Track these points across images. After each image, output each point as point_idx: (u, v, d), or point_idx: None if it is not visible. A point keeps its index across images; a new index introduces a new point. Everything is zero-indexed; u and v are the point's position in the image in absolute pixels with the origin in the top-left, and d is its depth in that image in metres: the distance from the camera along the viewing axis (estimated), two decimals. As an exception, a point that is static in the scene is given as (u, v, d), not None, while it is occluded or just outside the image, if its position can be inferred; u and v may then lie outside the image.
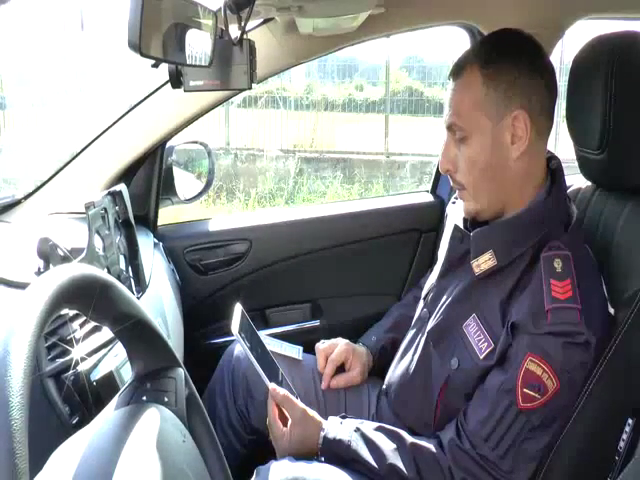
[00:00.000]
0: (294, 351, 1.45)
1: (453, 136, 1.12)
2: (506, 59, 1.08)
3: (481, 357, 1.07)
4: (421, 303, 1.30)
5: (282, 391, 1.18)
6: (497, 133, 1.08)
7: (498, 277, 1.09)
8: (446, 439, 1.09)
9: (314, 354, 1.41)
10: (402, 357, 1.28)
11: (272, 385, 1.19)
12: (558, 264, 1.03)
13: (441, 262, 1.25)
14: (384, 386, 1.33)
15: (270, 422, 1.18)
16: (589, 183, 1.27)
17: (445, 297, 1.19)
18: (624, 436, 1.04)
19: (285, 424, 1.16)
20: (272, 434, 1.18)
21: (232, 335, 1.21)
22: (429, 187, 1.92)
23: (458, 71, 1.11)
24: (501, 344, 1.04)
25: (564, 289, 1.01)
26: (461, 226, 1.19)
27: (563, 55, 6.11)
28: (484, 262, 1.10)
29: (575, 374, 1.01)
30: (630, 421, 1.04)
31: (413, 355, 1.23)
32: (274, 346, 1.42)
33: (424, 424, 1.17)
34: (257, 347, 1.27)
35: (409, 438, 1.12)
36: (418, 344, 1.23)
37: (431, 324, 1.19)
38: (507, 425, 1.03)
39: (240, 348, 1.41)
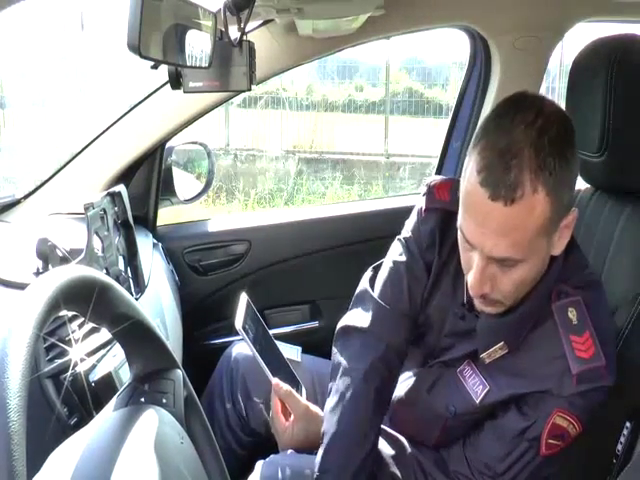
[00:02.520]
0: (293, 352, 1.45)
1: (492, 262, 0.90)
2: (567, 157, 0.88)
3: (477, 401, 1.03)
4: (425, 348, 1.18)
5: (285, 386, 1.18)
6: (550, 243, 0.92)
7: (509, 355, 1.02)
8: (452, 467, 1.05)
9: (313, 355, 1.41)
10: (398, 393, 1.21)
11: (275, 380, 1.19)
12: (573, 314, 0.96)
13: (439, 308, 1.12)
14: None
15: (273, 416, 1.18)
16: (588, 185, 1.27)
17: (447, 354, 1.10)
18: (622, 439, 1.04)
19: (288, 418, 1.17)
20: (274, 428, 1.18)
21: (232, 336, 1.21)
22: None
23: (516, 191, 0.83)
24: (504, 391, 1.00)
25: (586, 345, 0.94)
26: (463, 301, 1.06)
27: (563, 57, 6.13)
28: (494, 351, 1.00)
29: (596, 412, 0.97)
30: (628, 424, 1.04)
31: (408, 397, 1.16)
32: (273, 347, 1.42)
33: (425, 438, 1.13)
34: (261, 339, 1.25)
35: (409, 448, 1.11)
36: (414, 386, 1.16)
37: (425, 371, 1.14)
38: (524, 464, 0.99)
39: (239, 349, 1.41)
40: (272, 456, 1.12)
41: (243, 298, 1.28)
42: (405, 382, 1.20)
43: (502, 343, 0.99)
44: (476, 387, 1.03)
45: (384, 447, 1.11)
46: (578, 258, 1.02)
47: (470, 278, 0.92)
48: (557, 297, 0.98)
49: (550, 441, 0.96)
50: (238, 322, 1.20)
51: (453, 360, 1.08)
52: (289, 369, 1.29)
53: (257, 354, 1.19)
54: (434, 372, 1.11)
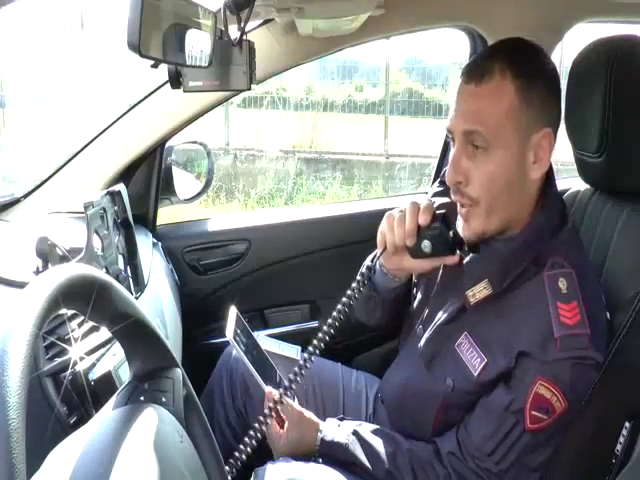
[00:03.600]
0: (292, 351, 1.45)
1: (467, 146, 1.01)
2: (541, 76, 1.02)
3: (475, 374, 1.05)
4: (416, 316, 1.23)
5: (278, 394, 1.18)
6: (522, 150, 1.00)
7: (496, 302, 1.05)
8: (445, 450, 1.08)
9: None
10: (396, 371, 1.25)
11: (268, 388, 1.19)
12: (563, 284, 1.00)
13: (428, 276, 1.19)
14: (379, 394, 1.33)
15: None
16: (587, 186, 1.27)
17: (438, 316, 1.14)
18: (621, 439, 1.04)
19: (282, 426, 1.17)
20: (269, 436, 1.18)
21: None
22: (428, 188, 1.92)
23: (484, 74, 0.99)
24: (500, 362, 1.02)
25: (572, 313, 0.98)
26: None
27: (563, 58, 6.12)
28: (479, 291, 1.05)
29: (583, 392, 1.00)
30: (627, 424, 1.04)
31: (407, 374, 1.20)
32: (272, 346, 1.42)
33: (422, 431, 1.16)
34: (252, 350, 1.27)
35: (406, 443, 1.12)
36: (412, 362, 1.19)
37: (423, 344, 1.16)
38: (512, 442, 1.01)
39: (237, 350, 1.42)
40: (267, 464, 1.12)
41: (232, 311, 1.30)
42: (403, 362, 1.21)
43: (486, 281, 1.04)
44: (474, 360, 1.06)
45: (381, 447, 1.11)
46: (576, 239, 1.08)
47: (448, 169, 1.04)
48: (551, 267, 1.02)
49: (534, 413, 0.98)
50: (229, 333, 1.21)
51: (448, 322, 1.11)
52: (281, 380, 1.29)
53: (248, 362, 1.20)
54: (433, 346, 1.13)
